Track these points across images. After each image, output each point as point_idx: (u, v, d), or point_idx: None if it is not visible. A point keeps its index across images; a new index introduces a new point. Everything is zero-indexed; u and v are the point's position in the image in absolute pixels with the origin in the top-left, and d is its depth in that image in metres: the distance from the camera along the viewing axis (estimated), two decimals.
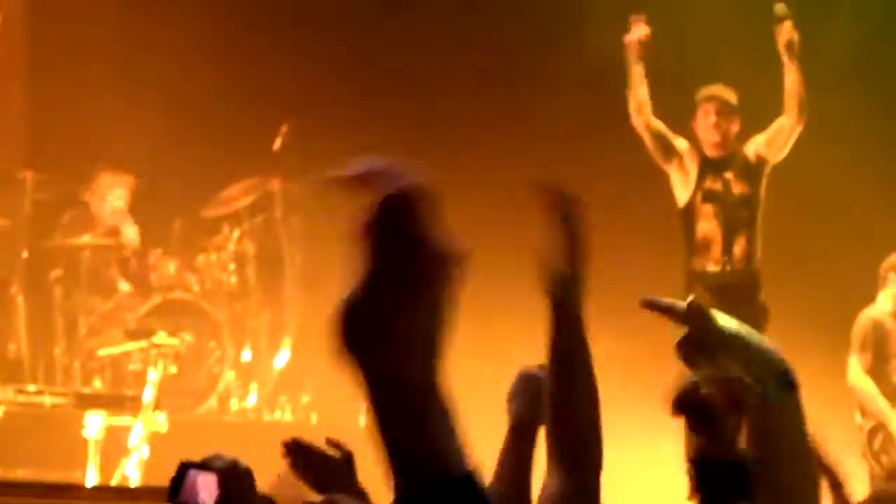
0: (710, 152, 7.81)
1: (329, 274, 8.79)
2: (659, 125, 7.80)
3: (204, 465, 3.15)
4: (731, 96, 7.88)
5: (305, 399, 9.05)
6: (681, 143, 7.80)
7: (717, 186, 8.03)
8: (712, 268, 8.22)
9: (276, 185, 9.27)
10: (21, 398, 8.57)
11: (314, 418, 9.10)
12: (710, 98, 7.82)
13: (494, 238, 7.77)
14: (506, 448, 3.65)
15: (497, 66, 10.26)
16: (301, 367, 9.24)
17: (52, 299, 8.96)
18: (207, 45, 9.87)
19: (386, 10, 10.72)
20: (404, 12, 10.73)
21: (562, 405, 2.74)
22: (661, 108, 8.09)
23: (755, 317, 7.70)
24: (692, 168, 7.99)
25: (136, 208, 9.42)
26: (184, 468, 3.16)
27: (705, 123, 7.88)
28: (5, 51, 10.54)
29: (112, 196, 9.14)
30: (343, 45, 10.51)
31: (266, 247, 9.51)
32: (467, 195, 8.00)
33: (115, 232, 9.12)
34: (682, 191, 8.36)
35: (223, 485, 3.12)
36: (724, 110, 7.89)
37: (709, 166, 7.96)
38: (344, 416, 8.62)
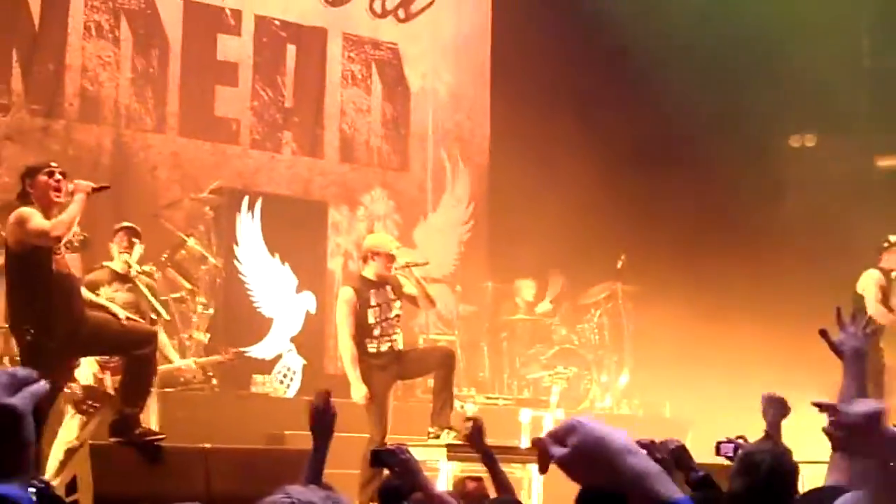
0: None
1: (650, 333, 13.67)
2: None
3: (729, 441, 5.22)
4: None
5: (636, 402, 13.34)
6: None
7: None
8: None
9: (619, 285, 13.58)
10: (487, 401, 12.37)
11: (640, 413, 13.11)
12: None
13: None
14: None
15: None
16: (632, 385, 13.41)
17: (502, 349, 13.38)
18: (585, 184, 13.54)
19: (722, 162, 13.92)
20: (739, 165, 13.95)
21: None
22: None
23: None
24: None
25: (538, 299, 13.74)
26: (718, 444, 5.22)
27: None
28: (481, 194, 15.12)
29: (523, 290, 13.60)
30: (676, 190, 14.14)
31: (614, 320, 13.61)
32: None
33: (533, 311, 13.60)
34: None
35: None
36: None
37: None
38: (659, 409, 13.32)
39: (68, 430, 9.19)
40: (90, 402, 9.30)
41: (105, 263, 9.78)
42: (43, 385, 2.15)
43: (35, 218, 7.79)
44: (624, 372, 13.62)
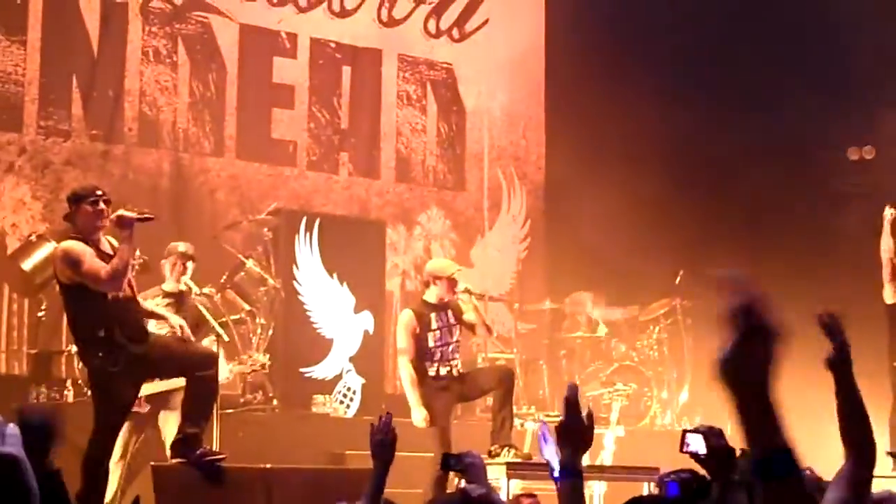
0: None
1: (710, 348, 13.19)
2: None
3: (695, 430, 4.59)
4: None
5: (698, 419, 12.58)
6: None
7: None
8: None
9: (678, 301, 13.52)
10: (546, 418, 10.36)
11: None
12: None
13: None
14: None
15: None
16: (693, 400, 13.27)
17: (561, 366, 13.38)
18: (642, 200, 13.54)
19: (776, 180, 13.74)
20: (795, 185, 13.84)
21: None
22: None
23: None
24: None
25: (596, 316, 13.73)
26: (684, 433, 4.61)
27: None
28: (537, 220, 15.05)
29: (587, 308, 13.71)
30: (733, 204, 14.20)
31: (673, 336, 13.51)
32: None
33: (592, 328, 13.60)
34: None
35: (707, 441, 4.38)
36: None
37: None
38: (720, 426, 13.27)
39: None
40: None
41: (162, 287, 9.86)
42: (14, 427, 2.07)
43: (86, 259, 7.85)
44: (684, 388, 13.57)
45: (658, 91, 14.08)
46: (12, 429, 2.01)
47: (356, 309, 12.63)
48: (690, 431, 4.78)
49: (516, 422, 10.26)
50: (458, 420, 10.29)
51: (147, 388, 9.01)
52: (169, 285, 9.88)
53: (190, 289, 10.07)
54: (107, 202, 8.08)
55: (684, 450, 4.75)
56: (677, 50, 14.45)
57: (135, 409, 8.79)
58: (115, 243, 8.12)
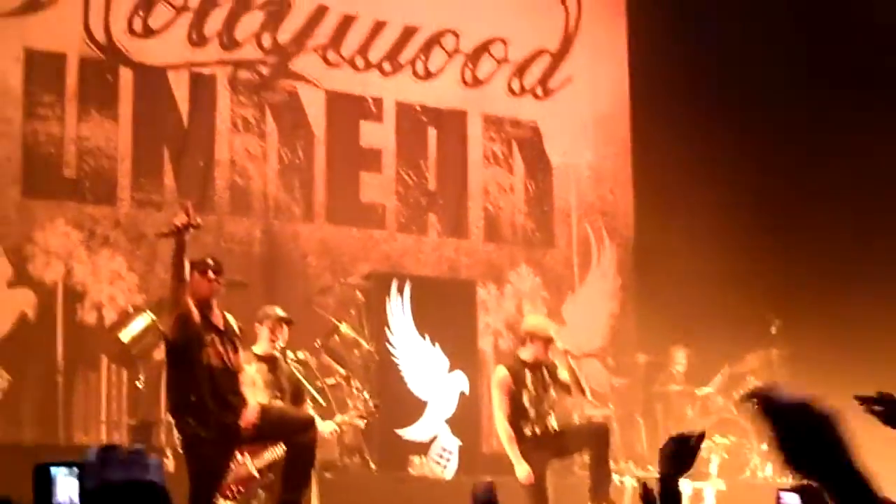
0: None
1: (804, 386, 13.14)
2: None
3: (792, 489, 4.35)
4: None
5: None
6: None
7: None
8: None
9: (775, 353, 13.40)
10: (645, 474, 11.57)
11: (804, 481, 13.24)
12: None
13: None
14: None
15: None
16: None
17: (658, 420, 13.29)
18: (733, 250, 13.40)
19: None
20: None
21: None
22: None
23: None
24: None
25: (691, 369, 13.72)
26: (779, 492, 4.44)
27: None
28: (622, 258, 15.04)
29: (676, 361, 13.67)
30: (824, 251, 13.94)
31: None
32: None
33: (685, 382, 13.57)
34: None
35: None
36: None
37: None
38: None
39: None
40: (236, 487, 9.35)
41: (254, 351, 9.92)
42: (157, 459, 2.14)
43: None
44: None
45: (746, 141, 14.05)
46: (155, 460, 2.07)
47: (450, 369, 12.63)
48: (786, 490, 4.62)
49: (614, 478, 10.22)
50: (557, 478, 10.19)
51: (262, 459, 9.14)
52: (261, 349, 9.94)
53: (284, 353, 10.11)
54: (217, 272, 8.24)
55: None
56: (765, 100, 14.37)
57: (252, 479, 8.92)
58: (230, 317, 8.40)
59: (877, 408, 3.60)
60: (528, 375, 9.84)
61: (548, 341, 9.86)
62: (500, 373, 9.99)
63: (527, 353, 9.94)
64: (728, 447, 12.59)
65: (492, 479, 5.19)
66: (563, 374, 9.98)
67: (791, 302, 13.42)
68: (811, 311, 13.52)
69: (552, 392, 9.94)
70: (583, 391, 10.23)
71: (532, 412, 9.79)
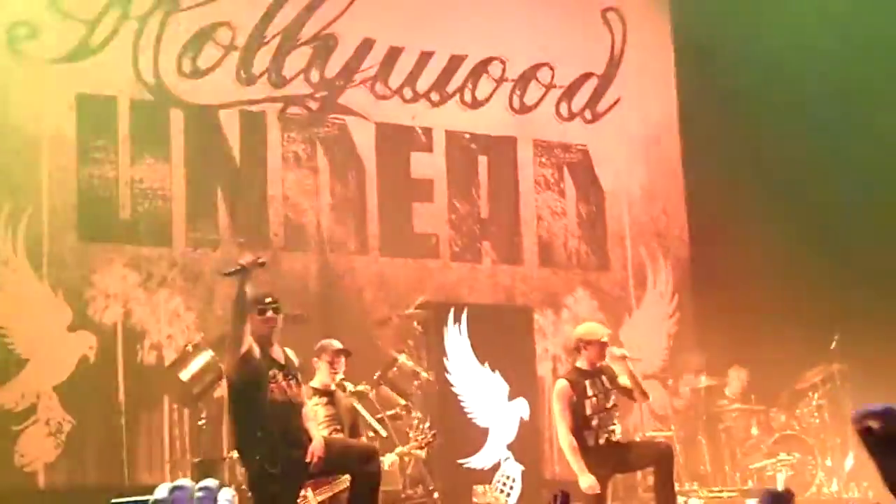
0: None
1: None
2: None
3: None
4: None
5: (865, 484, 12.86)
6: None
7: None
8: None
9: (836, 367, 13.34)
10: (710, 494, 12.31)
11: (871, 495, 12.53)
12: None
13: None
14: None
15: None
16: (859, 466, 12.84)
17: (720, 440, 13.22)
18: (789, 266, 13.53)
19: None
20: None
21: None
22: None
23: None
24: None
25: (753, 387, 13.69)
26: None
27: None
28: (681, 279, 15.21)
29: (735, 380, 13.56)
30: (884, 261, 13.72)
31: (832, 402, 13.28)
32: None
33: (745, 401, 13.46)
34: None
35: None
36: None
37: None
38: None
39: None
40: None
41: (311, 385, 9.96)
42: (227, 492, 2.13)
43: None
44: (849, 454, 13.28)
45: (800, 156, 13.95)
46: (226, 493, 2.09)
47: (510, 396, 12.63)
48: None
49: (679, 499, 10.21)
50: (621, 501, 10.15)
51: (323, 492, 9.19)
52: (319, 382, 9.98)
53: (341, 387, 10.14)
54: (275, 310, 8.33)
55: None
56: (813, 113, 14.24)
57: None
58: (290, 352, 8.46)
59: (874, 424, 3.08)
60: (588, 384, 9.79)
61: (602, 344, 9.82)
62: (560, 385, 9.94)
63: (582, 361, 9.91)
64: (793, 464, 12.58)
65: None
66: (623, 380, 9.91)
67: (852, 316, 13.26)
68: (873, 326, 13.29)
69: (613, 398, 9.86)
70: (645, 395, 10.13)
71: (595, 421, 9.72)
